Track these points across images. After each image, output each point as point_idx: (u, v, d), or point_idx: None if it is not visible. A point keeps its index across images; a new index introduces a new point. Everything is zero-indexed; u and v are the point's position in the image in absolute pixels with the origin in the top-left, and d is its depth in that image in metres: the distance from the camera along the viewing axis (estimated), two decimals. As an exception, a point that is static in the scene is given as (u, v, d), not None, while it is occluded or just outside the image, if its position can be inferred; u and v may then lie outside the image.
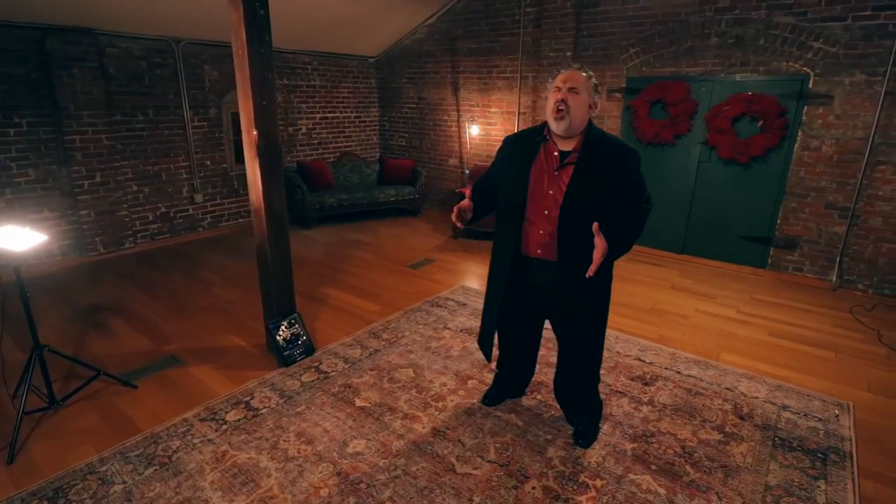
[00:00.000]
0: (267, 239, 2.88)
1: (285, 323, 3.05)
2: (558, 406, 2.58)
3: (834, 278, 4.39)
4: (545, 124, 2.10)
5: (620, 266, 4.71)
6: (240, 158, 6.05)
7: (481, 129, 6.44)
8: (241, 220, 6.16)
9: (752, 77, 4.49)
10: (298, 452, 2.26)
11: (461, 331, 3.47)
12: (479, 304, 3.93)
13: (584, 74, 1.98)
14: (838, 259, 4.37)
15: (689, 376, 2.93)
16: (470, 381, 2.86)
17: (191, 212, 5.70)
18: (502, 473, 2.15)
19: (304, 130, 6.73)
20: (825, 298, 4.20)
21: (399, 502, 1.98)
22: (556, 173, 2.02)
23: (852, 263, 4.32)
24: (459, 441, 2.35)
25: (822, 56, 4.14)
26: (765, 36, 4.35)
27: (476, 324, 3.56)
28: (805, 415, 2.59)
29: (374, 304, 3.90)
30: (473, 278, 4.52)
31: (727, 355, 3.21)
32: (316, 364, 3.01)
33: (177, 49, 5.20)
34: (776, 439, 2.39)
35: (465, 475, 2.13)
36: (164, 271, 4.60)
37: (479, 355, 3.14)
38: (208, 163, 5.74)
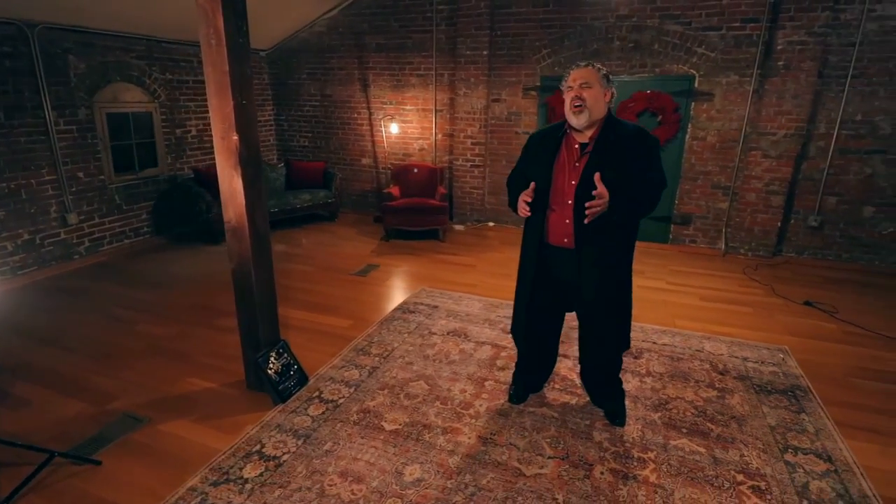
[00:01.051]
0: (251, 260, 2.49)
1: (273, 354, 2.68)
2: (580, 392, 2.70)
3: (722, 246, 5.26)
4: (565, 121, 2.17)
5: None
6: (121, 168, 5.08)
7: (398, 127, 6.32)
8: (127, 240, 5.19)
9: (650, 77, 5.12)
10: (354, 494, 2.02)
11: (448, 334, 3.40)
12: (450, 304, 3.89)
13: (592, 69, 2.08)
14: (724, 230, 5.25)
15: (665, 345, 3.29)
16: (486, 383, 2.83)
17: (63, 236, 4.62)
18: (567, 466, 2.19)
19: (193, 132, 5.88)
20: (719, 263, 5.01)
21: (489, 520, 1.90)
22: (576, 164, 2.11)
23: (734, 233, 5.23)
24: (512, 444, 2.32)
25: (705, 60, 4.90)
26: (658, 41, 5.00)
27: (457, 325, 3.53)
28: (762, 362, 3.09)
29: (343, 319, 3.62)
30: (428, 280, 4.44)
31: (680, 321, 3.67)
32: (316, 394, 2.70)
33: (31, 35, 4.14)
34: (755, 387, 2.82)
35: (536, 476, 2.13)
36: (57, 313, 3.68)
37: (480, 355, 3.12)
38: (81, 175, 4.71)
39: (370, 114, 6.50)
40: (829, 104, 4.64)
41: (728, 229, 5.25)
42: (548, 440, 2.36)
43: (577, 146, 2.14)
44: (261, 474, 2.12)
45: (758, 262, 5.01)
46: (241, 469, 2.15)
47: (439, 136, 6.22)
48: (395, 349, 3.19)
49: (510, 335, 2.69)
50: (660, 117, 5.12)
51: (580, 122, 2.07)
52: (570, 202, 2.10)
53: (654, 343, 3.31)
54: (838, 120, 4.62)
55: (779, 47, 4.57)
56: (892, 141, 4.54)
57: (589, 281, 2.17)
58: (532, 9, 5.37)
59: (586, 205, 1.98)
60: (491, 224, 6.25)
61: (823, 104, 4.66)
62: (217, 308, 3.77)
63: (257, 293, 2.56)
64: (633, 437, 2.38)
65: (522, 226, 2.38)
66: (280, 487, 2.05)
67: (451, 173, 6.21)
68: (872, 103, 4.51)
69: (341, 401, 2.64)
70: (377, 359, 3.07)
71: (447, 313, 3.73)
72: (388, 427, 2.44)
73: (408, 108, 6.26)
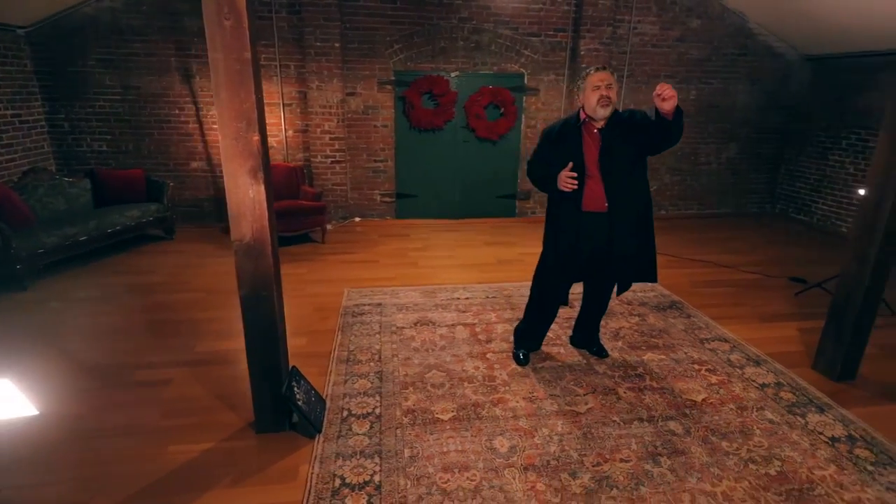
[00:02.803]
0: (273, 282, 2.14)
1: (295, 384, 2.36)
2: (561, 342, 3.20)
3: (556, 213, 6.48)
4: (576, 113, 2.61)
5: (442, 245, 5.56)
6: None
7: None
8: None
9: (491, 74, 5.87)
10: (473, 480, 2.07)
11: (416, 325, 3.46)
12: (391, 299, 3.90)
13: (611, 72, 2.56)
14: (554, 200, 6.47)
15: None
16: (488, 356, 3.07)
17: None
18: (601, 396, 2.66)
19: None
20: (559, 227, 6.19)
21: (618, 446, 2.22)
22: (595, 144, 2.57)
23: (562, 201, 6.50)
24: (553, 395, 2.66)
25: (530, 61, 5.89)
26: (495, 43, 5.76)
27: (416, 315, 3.60)
28: (644, 292, 4.13)
29: (296, 338, 3.27)
30: (343, 282, 4.28)
31: (574, 274, 4.53)
32: (345, 413, 2.50)
33: None
34: (655, 308, 3.80)
35: (589, 410, 2.53)
36: None
37: (460, 335, 3.31)
38: None
39: (198, 110, 5.58)
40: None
41: (557, 199, 6.49)
42: (573, 384, 2.78)
43: (596, 131, 2.56)
44: (369, 501, 1.95)
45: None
46: (341, 507, 1.93)
47: (290, 132, 5.80)
48: (380, 351, 3.11)
49: (488, 312, 2.98)
50: (502, 109, 5.95)
51: (607, 113, 2.50)
52: (597, 172, 2.52)
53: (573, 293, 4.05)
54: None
55: (581, 53, 5.85)
56: (651, 123, 6.38)
57: (622, 237, 2.61)
58: (381, 4, 5.48)
59: (666, 88, 2.21)
60: (357, 219, 6.20)
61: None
62: (131, 362, 2.93)
63: (279, 318, 2.22)
64: (619, 362, 3.00)
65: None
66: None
67: (309, 171, 5.88)
68: (639, 96, 6.21)
69: (377, 410, 2.52)
70: (372, 364, 2.96)
71: (397, 308, 3.74)
72: (444, 417, 2.47)
73: (248, 102, 5.62)
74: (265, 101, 5.52)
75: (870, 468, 2.17)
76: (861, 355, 2.83)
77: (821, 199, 6.24)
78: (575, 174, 2.48)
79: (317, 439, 2.31)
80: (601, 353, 3.08)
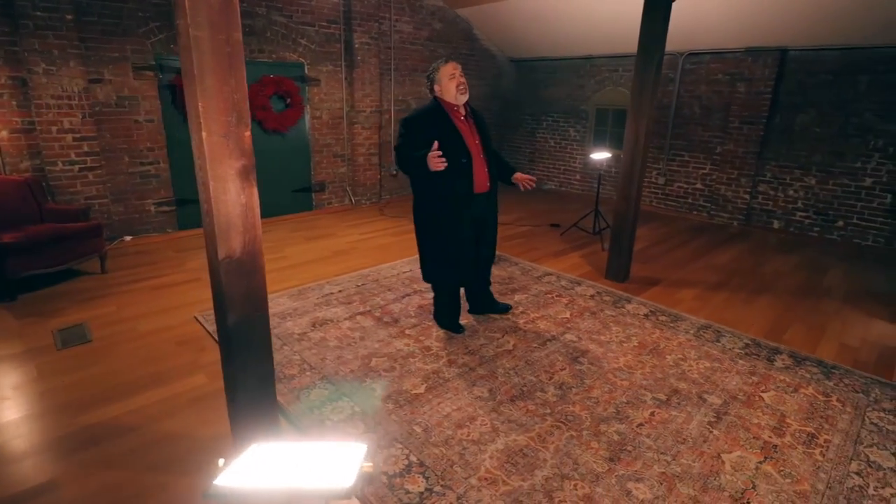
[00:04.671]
0: (264, 303, 1.87)
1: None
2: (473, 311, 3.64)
3: (350, 201, 6.69)
4: (436, 101, 2.94)
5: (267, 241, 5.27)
6: None
7: None
8: None
9: (270, 62, 5.53)
10: (483, 424, 2.36)
11: (315, 326, 3.30)
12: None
13: (459, 63, 2.99)
14: (348, 189, 6.66)
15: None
16: (407, 331, 3.26)
17: None
18: (521, 333, 3.26)
19: None
20: (368, 214, 6.45)
21: (552, 363, 2.80)
22: (470, 130, 3.04)
23: (355, 188, 6.74)
24: (486, 343, 3.10)
25: (308, 50, 5.81)
26: (269, 30, 5.44)
27: (307, 319, 3.43)
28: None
29: (192, 378, 2.70)
30: (184, 309, 3.58)
31: (395, 255, 4.96)
32: (329, 424, 2.35)
33: None
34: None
35: (523, 340, 3.09)
36: None
37: (367, 323, 3.37)
38: None
39: None
40: (386, 89, 6.72)
41: (350, 187, 6.70)
42: (490, 332, 3.28)
43: (463, 118, 2.97)
44: (424, 476, 2.03)
45: (380, 206, 6.81)
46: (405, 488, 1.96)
47: (4, 132, 4.16)
48: (304, 359, 2.90)
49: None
50: (288, 100, 5.71)
51: (466, 98, 2.93)
52: (481, 156, 2.97)
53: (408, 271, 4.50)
54: (392, 100, 6.80)
55: (356, 46, 6.11)
56: (416, 112, 7.21)
57: (492, 212, 3.16)
58: (124, -29, 4.43)
59: (528, 178, 3.02)
60: (127, 238, 4.98)
61: (384, 89, 6.70)
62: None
63: (266, 344, 1.95)
64: (519, 308, 3.66)
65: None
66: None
67: (47, 184, 4.37)
68: (404, 87, 6.92)
69: (357, 409, 2.47)
70: (309, 374, 2.77)
71: (278, 317, 3.44)
72: (420, 390, 2.63)
73: (-85, 90, 3.75)
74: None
75: (671, 325, 3.46)
76: (630, 263, 4.28)
77: (537, 168, 8.39)
78: (441, 153, 2.74)
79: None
80: (506, 309, 3.63)
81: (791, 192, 5.81)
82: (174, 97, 4.95)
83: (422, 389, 2.64)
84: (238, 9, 1.56)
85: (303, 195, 6.27)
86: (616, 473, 2.10)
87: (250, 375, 1.90)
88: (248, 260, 1.77)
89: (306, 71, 5.87)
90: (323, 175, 6.40)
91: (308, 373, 2.77)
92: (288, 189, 6.10)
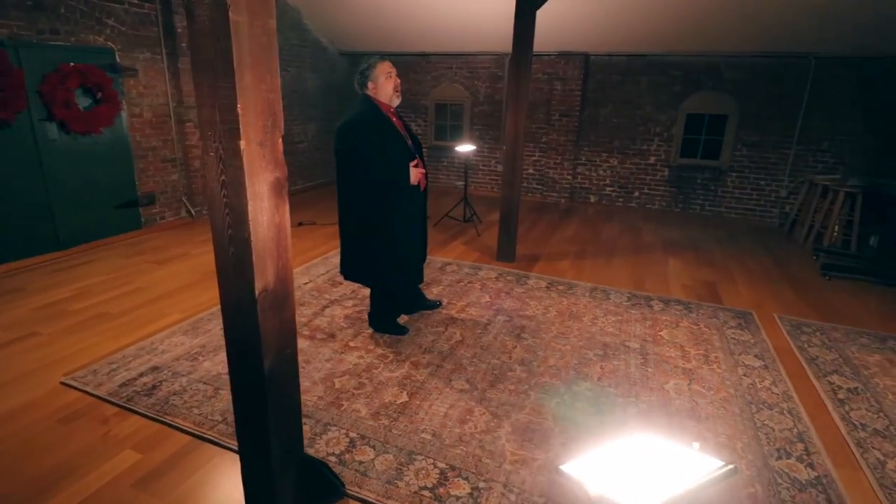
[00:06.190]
0: (295, 341, 1.60)
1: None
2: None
3: (190, 213, 5.73)
4: (369, 102, 2.84)
5: (101, 284, 4.73)
6: None
7: None
8: None
9: (69, 46, 4.31)
10: (481, 413, 2.44)
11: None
12: (160, 357, 2.88)
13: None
14: (184, 199, 5.69)
15: (324, 272, 4.28)
16: (351, 343, 3.06)
17: None
18: (460, 322, 3.35)
19: None
20: (203, 228, 5.59)
21: (503, 343, 2.97)
22: (404, 130, 3.01)
23: (194, 198, 5.78)
24: (437, 339, 3.12)
25: (118, 33, 4.71)
26: (64, 5, 4.25)
27: (223, 354, 2.91)
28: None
29: (122, 459, 2.08)
30: (35, 375, 2.68)
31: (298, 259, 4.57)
32: (333, 460, 2.11)
33: None
34: (388, 261, 4.57)
35: (465, 329, 3.20)
36: None
37: (302, 344, 3.04)
38: None
39: None
40: (217, 81, 5.87)
41: (186, 197, 5.73)
42: (434, 327, 3.31)
43: (397, 118, 2.91)
44: (468, 481, 2.03)
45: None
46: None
47: None
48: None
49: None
50: (99, 94, 4.56)
51: (399, 100, 2.88)
52: (419, 157, 2.95)
53: (308, 282, 4.23)
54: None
55: (179, 30, 5.19)
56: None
57: (426, 208, 3.17)
58: None
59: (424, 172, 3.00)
60: None
61: (215, 81, 5.84)
62: None
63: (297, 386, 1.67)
64: (444, 299, 3.72)
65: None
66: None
67: None
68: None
69: (351, 434, 2.27)
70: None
71: (185, 359, 2.85)
72: (404, 399, 2.55)
73: None
74: None
75: (569, 292, 4.01)
76: (516, 244, 4.75)
77: (380, 161, 8.41)
78: (416, 163, 2.85)
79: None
80: (436, 304, 3.65)
81: (601, 172, 7.15)
82: None
83: (405, 397, 2.57)
84: (272, -9, 1.29)
85: (128, 211, 5.12)
86: (606, 423, 2.42)
87: (283, 426, 1.62)
88: (281, 289, 1.50)
89: (118, 59, 4.76)
90: (151, 185, 5.32)
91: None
92: (109, 205, 4.91)
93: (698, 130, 6.54)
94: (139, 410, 2.40)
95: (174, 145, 5.47)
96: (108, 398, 2.48)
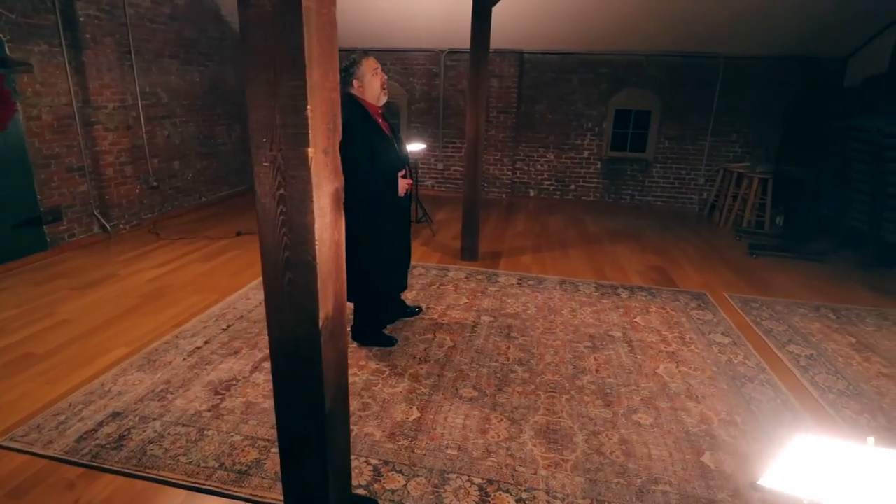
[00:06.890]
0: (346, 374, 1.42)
1: None
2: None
3: (105, 228, 5.01)
4: (356, 102, 2.66)
5: (16, 319, 4.31)
6: None
7: None
8: None
9: (-61, 35, 3.53)
10: (498, 420, 2.39)
11: (217, 392, 2.53)
12: (119, 400, 2.47)
13: None
14: (96, 213, 4.96)
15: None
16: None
17: None
18: (448, 327, 3.25)
19: None
20: (140, 241, 4.93)
21: (496, 343, 2.93)
22: (389, 131, 2.84)
23: (108, 211, 5.06)
24: (427, 345, 3.00)
25: (6, 21, 3.96)
26: (-69, -17, 3.46)
27: (198, 390, 2.58)
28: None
29: None
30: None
31: (233, 283, 4.17)
32: (363, 483, 1.93)
33: None
34: (350, 268, 4.34)
35: (453, 333, 3.11)
36: None
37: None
38: None
39: None
40: (129, 78, 5.17)
41: (98, 210, 5.00)
42: (422, 333, 3.18)
43: (382, 119, 2.73)
44: (496, 491, 1.96)
45: (148, 227, 5.32)
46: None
47: None
48: (259, 434, 2.23)
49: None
50: (-14, 93, 3.81)
51: (386, 99, 2.71)
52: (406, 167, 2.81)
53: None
54: (138, 92, 5.30)
55: (81, 19, 4.48)
56: (171, 107, 5.82)
57: (409, 211, 3.03)
58: None
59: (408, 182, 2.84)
60: None
61: (126, 78, 5.14)
62: None
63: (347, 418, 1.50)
64: (423, 305, 3.57)
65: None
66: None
67: None
68: (150, 77, 5.47)
69: (373, 462, 2.10)
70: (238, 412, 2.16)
71: (156, 398, 2.47)
72: (416, 415, 2.42)
73: None
74: None
75: (540, 287, 4.07)
76: (478, 243, 4.72)
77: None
78: (404, 173, 2.71)
79: (392, 526, 1.80)
80: (417, 311, 3.49)
81: (539, 167, 7.37)
82: None
83: (416, 413, 2.43)
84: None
85: (30, 230, 4.35)
86: (619, 414, 2.48)
87: (339, 468, 1.44)
88: (338, 316, 1.32)
89: (7, 51, 4.01)
90: (55, 198, 4.57)
91: (274, 448, 2.16)
92: (6, 224, 4.13)
93: (626, 125, 6.97)
94: (111, 468, 2.03)
95: (81, 152, 4.73)
96: (66, 458, 2.07)
